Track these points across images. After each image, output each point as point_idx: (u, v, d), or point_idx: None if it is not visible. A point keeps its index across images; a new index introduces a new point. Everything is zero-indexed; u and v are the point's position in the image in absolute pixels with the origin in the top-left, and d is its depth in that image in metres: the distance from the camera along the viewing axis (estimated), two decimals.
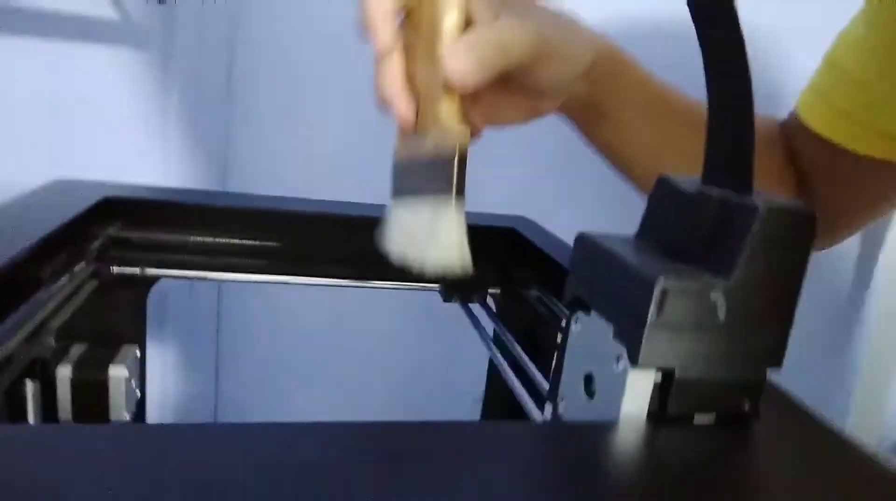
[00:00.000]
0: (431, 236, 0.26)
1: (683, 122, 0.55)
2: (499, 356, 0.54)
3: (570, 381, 0.30)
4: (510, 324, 0.60)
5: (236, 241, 0.57)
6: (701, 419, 0.27)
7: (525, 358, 0.53)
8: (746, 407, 0.27)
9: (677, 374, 0.26)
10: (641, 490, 0.23)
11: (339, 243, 0.58)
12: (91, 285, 0.52)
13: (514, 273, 0.62)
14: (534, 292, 0.62)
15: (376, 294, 0.68)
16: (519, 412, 0.60)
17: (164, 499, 0.18)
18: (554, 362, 0.32)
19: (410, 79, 0.34)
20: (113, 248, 0.53)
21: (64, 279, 0.47)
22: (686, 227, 0.27)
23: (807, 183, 0.62)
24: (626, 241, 0.29)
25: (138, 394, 0.61)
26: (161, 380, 0.92)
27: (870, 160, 0.56)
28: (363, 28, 0.34)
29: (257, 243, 0.58)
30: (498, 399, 0.72)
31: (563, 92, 0.46)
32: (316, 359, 0.98)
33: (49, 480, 0.19)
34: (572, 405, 0.30)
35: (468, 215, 0.33)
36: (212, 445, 0.22)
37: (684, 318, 0.25)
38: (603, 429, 0.26)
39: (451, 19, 0.32)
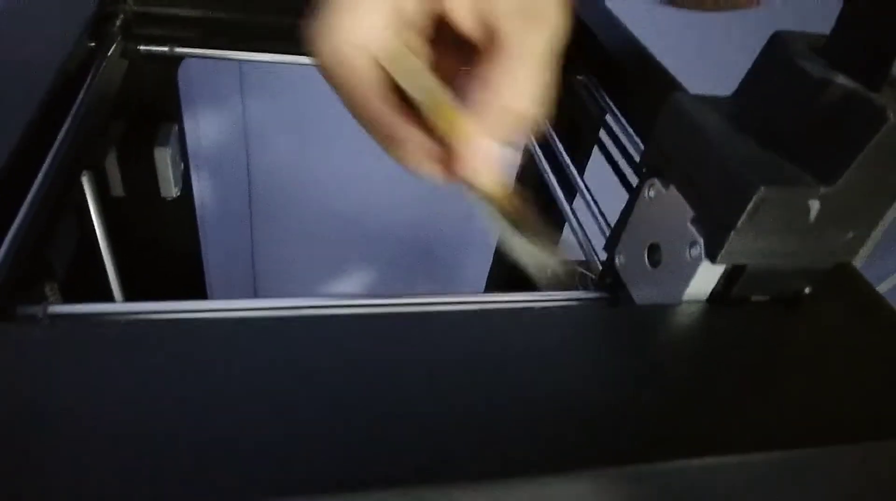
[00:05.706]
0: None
1: None
2: (534, 142, 0.54)
3: (633, 242, 0.31)
4: (550, 111, 0.58)
5: (263, 17, 0.52)
6: (758, 297, 0.28)
7: (560, 147, 0.53)
8: (807, 290, 0.28)
9: (749, 268, 0.26)
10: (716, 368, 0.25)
11: None
12: (121, 66, 0.49)
13: (566, 56, 0.58)
14: (580, 79, 0.59)
15: None
16: (545, 195, 0.61)
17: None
18: (618, 216, 0.32)
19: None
20: (135, 25, 0.49)
21: (101, 65, 0.44)
22: (794, 108, 0.25)
23: None
24: (723, 112, 0.27)
25: (182, 166, 0.62)
26: (194, 151, 0.92)
27: None
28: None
29: (287, 18, 0.53)
30: (527, 182, 0.73)
31: None
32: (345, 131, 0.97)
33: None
34: (632, 266, 0.31)
35: None
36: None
37: (774, 222, 0.24)
38: (670, 310, 0.27)
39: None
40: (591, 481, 0.20)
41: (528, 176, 0.71)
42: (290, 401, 0.20)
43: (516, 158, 0.26)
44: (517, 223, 0.27)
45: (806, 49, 0.25)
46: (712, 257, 0.25)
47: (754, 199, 0.23)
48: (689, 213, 0.27)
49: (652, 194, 0.29)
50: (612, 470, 0.20)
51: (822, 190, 0.23)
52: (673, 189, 0.28)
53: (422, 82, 0.24)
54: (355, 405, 0.21)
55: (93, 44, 0.45)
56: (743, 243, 0.24)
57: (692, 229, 0.26)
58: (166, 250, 0.64)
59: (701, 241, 0.26)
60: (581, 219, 0.45)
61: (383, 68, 0.23)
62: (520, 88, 0.23)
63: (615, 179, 0.49)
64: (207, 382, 0.21)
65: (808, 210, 0.24)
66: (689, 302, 0.27)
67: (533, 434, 0.21)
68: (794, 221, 0.24)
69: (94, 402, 0.20)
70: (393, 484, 0.19)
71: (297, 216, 1.09)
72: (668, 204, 0.28)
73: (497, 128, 0.24)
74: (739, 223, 0.24)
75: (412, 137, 0.24)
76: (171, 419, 0.19)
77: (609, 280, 0.33)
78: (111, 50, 0.47)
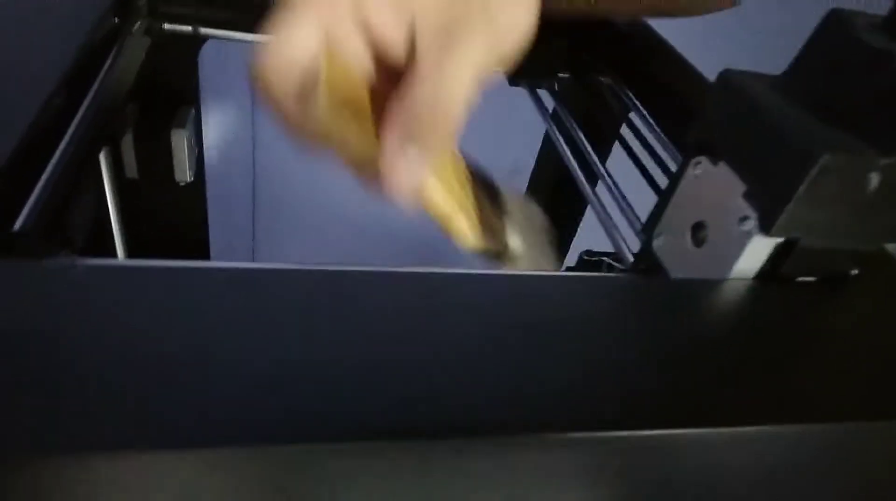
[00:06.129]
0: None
1: None
2: (556, 131, 0.53)
3: (675, 222, 0.30)
4: (573, 109, 0.58)
5: None
6: (804, 278, 0.27)
7: (583, 139, 0.52)
8: (853, 272, 0.28)
9: (801, 243, 0.25)
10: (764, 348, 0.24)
11: None
12: (144, 44, 0.49)
13: (589, 57, 0.58)
14: (605, 80, 0.59)
15: None
16: (566, 186, 0.60)
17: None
18: (658, 198, 0.32)
19: None
20: (161, 2, 0.49)
21: (124, 41, 0.44)
22: (854, 80, 0.24)
23: None
24: (776, 85, 0.26)
25: (196, 151, 0.61)
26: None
27: None
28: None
29: None
30: (546, 173, 0.72)
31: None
32: None
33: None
34: (672, 246, 0.30)
35: None
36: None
37: (832, 193, 0.24)
38: (712, 285, 0.26)
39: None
40: (607, 443, 0.20)
41: (549, 169, 0.71)
42: (315, 349, 0.20)
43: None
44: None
45: (866, 23, 0.24)
46: (767, 228, 0.24)
47: (818, 165, 0.22)
48: (741, 187, 0.26)
49: (698, 171, 0.29)
50: (633, 435, 0.19)
51: (883, 161, 0.23)
52: (723, 165, 0.27)
53: (342, 105, 0.24)
54: (376, 359, 0.20)
55: (117, 19, 0.44)
56: (799, 215, 0.24)
57: (744, 203, 0.26)
58: (175, 236, 0.63)
59: (754, 215, 0.25)
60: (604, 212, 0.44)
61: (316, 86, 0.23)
62: (435, 106, 0.23)
63: (634, 178, 0.48)
64: (234, 324, 0.20)
65: (867, 182, 0.24)
66: (735, 279, 0.27)
67: (556, 395, 0.20)
68: (852, 193, 0.24)
69: (129, 336, 0.19)
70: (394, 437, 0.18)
71: (301, 213, 1.08)
72: (716, 180, 0.27)
73: (415, 143, 0.24)
74: (800, 192, 0.23)
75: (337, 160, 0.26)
76: (184, 351, 0.18)
77: (643, 266, 0.33)
78: (135, 27, 0.46)
